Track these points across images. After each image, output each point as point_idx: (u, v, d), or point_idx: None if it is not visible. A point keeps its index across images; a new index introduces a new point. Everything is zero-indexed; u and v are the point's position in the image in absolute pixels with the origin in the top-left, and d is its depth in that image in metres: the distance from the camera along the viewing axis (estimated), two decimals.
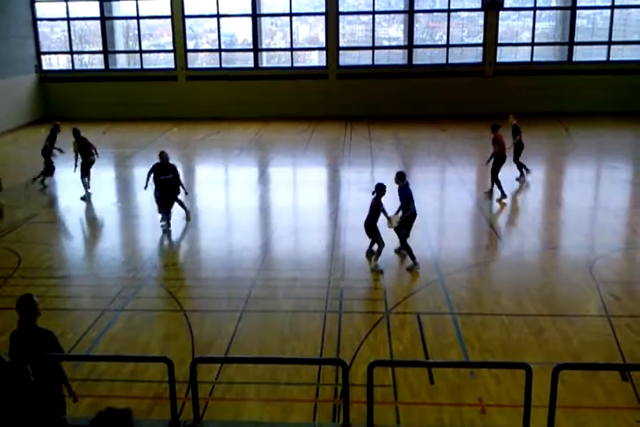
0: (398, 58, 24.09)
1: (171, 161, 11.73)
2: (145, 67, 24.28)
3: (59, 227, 12.59)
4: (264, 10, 24.14)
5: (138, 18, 23.86)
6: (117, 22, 24.87)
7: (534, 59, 23.27)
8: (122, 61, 25.24)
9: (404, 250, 9.72)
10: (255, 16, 23.59)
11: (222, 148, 19.00)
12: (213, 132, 21.04)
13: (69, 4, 23.86)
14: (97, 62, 24.74)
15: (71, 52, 24.44)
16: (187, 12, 23.57)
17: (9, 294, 8.71)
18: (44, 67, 24.46)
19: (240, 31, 24.94)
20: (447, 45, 23.39)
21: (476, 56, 23.40)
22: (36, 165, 17.03)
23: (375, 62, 23.58)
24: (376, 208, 9.55)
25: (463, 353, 7.17)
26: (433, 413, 6.17)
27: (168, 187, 11.48)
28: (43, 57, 24.42)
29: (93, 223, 12.86)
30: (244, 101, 22.93)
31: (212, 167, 17.52)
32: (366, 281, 9.21)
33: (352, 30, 24.96)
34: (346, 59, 23.84)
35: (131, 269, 9.83)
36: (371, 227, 9.60)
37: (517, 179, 14.41)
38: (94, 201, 13.86)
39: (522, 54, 23.75)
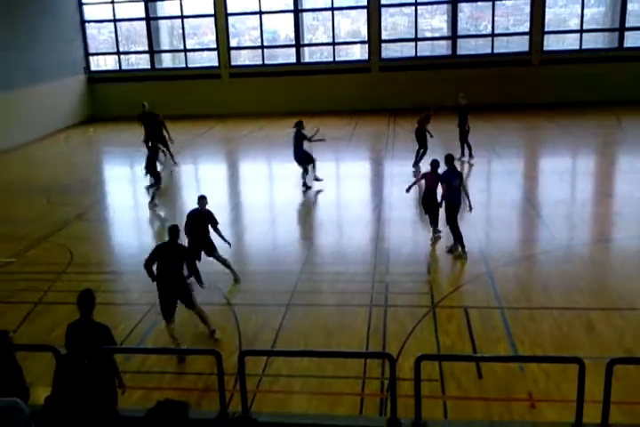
0: (442, 49, 23.74)
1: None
2: (189, 65, 24.63)
3: (108, 224, 12.94)
4: (306, 5, 24.16)
5: (182, 17, 24.22)
6: (162, 22, 25.31)
7: (583, 46, 22.54)
8: (167, 61, 25.69)
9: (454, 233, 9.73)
10: (297, 11, 23.62)
11: (266, 143, 19.14)
12: (257, 129, 21.21)
13: (116, 5, 24.38)
14: (143, 62, 25.23)
15: (118, 53, 25.00)
16: (229, 10, 23.79)
17: (63, 288, 9.03)
18: (92, 68, 25.10)
19: (282, 27, 25.04)
20: (492, 35, 22.90)
21: (523, 45, 22.84)
22: (86, 164, 17.58)
23: (418, 54, 23.30)
24: (435, 183, 9.95)
25: (512, 347, 7.05)
26: (481, 407, 6.09)
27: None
28: (91, 58, 25.06)
29: (141, 221, 13.16)
30: (286, 97, 23.01)
31: (256, 163, 17.66)
32: (411, 275, 9.14)
33: (394, 23, 24.72)
34: (388, 52, 23.64)
35: None
36: (430, 202, 10.11)
37: (459, 159, 14.45)
38: (143, 199, 14.18)
39: (570, 42, 23.06)
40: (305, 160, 13.75)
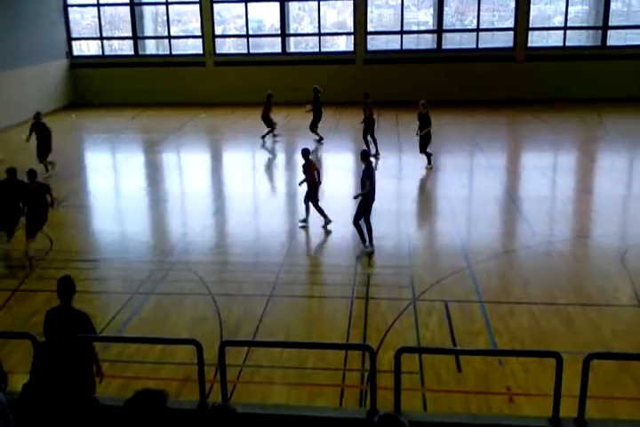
0: (427, 43, 23.75)
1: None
2: (174, 52, 24.34)
3: (89, 211, 12.79)
4: None
5: (167, 3, 23.86)
6: (146, 8, 24.93)
7: (567, 43, 22.71)
8: (151, 47, 25.34)
9: (355, 228, 9.70)
10: (283, 1, 23.41)
11: (250, 133, 19.02)
12: (242, 118, 21.07)
13: None
14: (126, 48, 24.86)
15: (101, 38, 24.60)
16: None
17: (41, 276, 8.92)
18: (75, 53, 24.68)
19: (268, 17, 24.82)
20: (477, 30, 22.95)
21: (507, 41, 22.94)
22: (66, 151, 17.28)
23: (404, 47, 23.29)
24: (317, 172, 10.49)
25: (491, 341, 7.13)
26: (460, 400, 6.15)
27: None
28: (73, 43, 24.62)
29: (123, 208, 13.03)
30: (271, 87, 22.83)
31: (240, 153, 17.56)
32: (393, 268, 9.18)
33: (380, 15, 24.65)
34: (374, 44, 23.59)
35: (159, 253, 9.96)
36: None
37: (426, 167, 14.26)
38: (124, 186, 14.02)
39: (554, 39, 23.19)
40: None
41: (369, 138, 15.64)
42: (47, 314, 5.46)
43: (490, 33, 23.49)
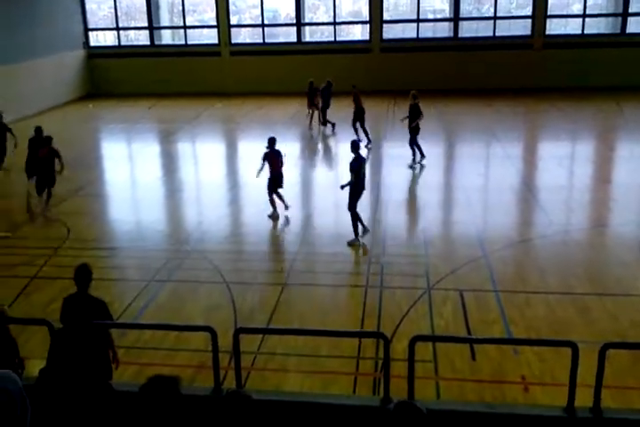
0: (444, 31, 23.50)
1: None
2: (189, 42, 24.35)
3: (105, 200, 12.90)
4: None
5: None
6: None
7: (585, 31, 22.34)
8: (167, 37, 25.38)
9: (351, 216, 9.56)
10: None
11: (266, 123, 19.01)
12: (257, 108, 21.05)
13: None
14: (142, 38, 24.93)
15: (117, 29, 24.69)
16: None
17: (58, 264, 9.01)
18: (92, 43, 24.80)
19: (283, 6, 24.71)
20: (494, 17, 22.66)
21: (525, 29, 22.62)
22: (82, 140, 17.42)
23: (420, 35, 23.07)
24: (266, 159, 10.45)
25: (506, 331, 7.08)
26: (474, 389, 6.13)
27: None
28: (90, 33, 24.74)
29: (139, 197, 13.12)
30: (287, 76, 22.80)
31: (255, 142, 17.53)
32: (408, 257, 9.15)
33: (396, 3, 24.43)
34: (390, 32, 23.39)
35: (175, 242, 10.02)
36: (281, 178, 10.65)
37: (411, 166, 13.73)
38: (140, 175, 14.10)
39: (572, 26, 22.84)
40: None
41: (358, 127, 15.62)
42: (64, 301, 5.52)
43: (507, 21, 23.18)
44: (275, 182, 10.65)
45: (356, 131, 15.51)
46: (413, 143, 13.63)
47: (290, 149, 16.03)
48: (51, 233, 10.29)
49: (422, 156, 13.74)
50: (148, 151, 16.76)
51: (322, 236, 10.23)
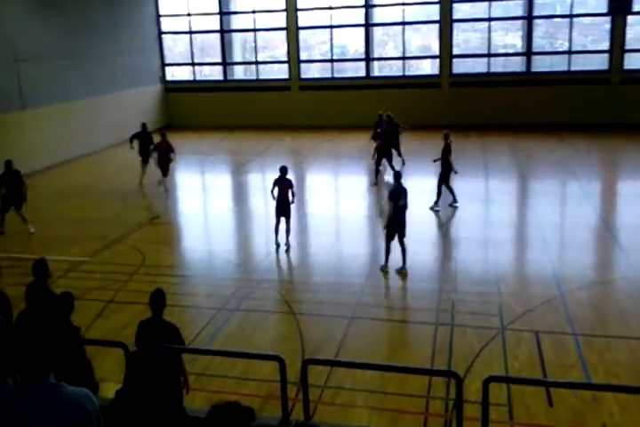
0: (515, 66, 23.31)
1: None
2: (260, 77, 25.13)
3: (179, 228, 13.27)
4: (376, 20, 24.26)
5: (255, 30, 24.76)
6: (235, 35, 25.94)
7: None
8: (239, 72, 26.29)
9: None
10: (367, 26, 23.75)
11: (334, 156, 19.22)
12: (325, 141, 21.34)
13: (192, 18, 25.20)
14: (216, 73, 25.92)
15: (192, 64, 25.79)
16: (300, 24, 24.15)
17: (134, 289, 9.28)
18: (168, 77, 25.97)
19: (351, 42, 25.21)
20: (569, 52, 22.31)
21: (602, 63, 22.13)
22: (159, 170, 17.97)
23: (491, 70, 22.96)
24: (285, 188, 10.77)
25: (585, 376, 6.73)
26: None
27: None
28: (167, 68, 25.95)
29: (210, 227, 13.43)
30: (355, 110, 23.08)
31: (323, 175, 17.75)
32: (480, 295, 8.89)
33: (466, 38, 24.46)
34: (459, 67, 23.40)
35: (244, 271, 10.15)
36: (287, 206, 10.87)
37: (450, 204, 13.00)
38: (212, 205, 14.44)
39: None
40: None
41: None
42: (139, 325, 5.64)
43: (581, 55, 22.76)
44: (278, 208, 10.86)
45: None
46: (443, 183, 13.01)
47: (358, 184, 16.14)
48: (126, 259, 10.63)
49: (454, 198, 13.11)
50: (220, 182, 17.22)
51: (390, 269, 10.10)
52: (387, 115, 16.87)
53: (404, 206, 9.68)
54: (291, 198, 10.87)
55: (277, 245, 11.00)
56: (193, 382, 5.94)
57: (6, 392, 3.31)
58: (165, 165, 15.00)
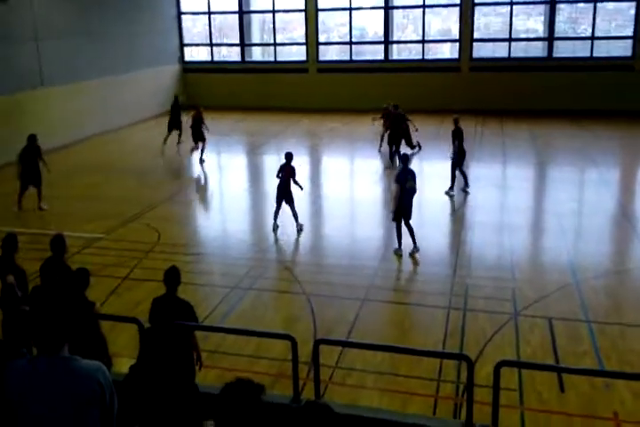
0: (536, 51, 22.92)
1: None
2: (278, 59, 24.95)
3: (194, 207, 13.33)
4: (396, 2, 23.92)
5: (273, 11, 24.53)
6: (254, 16, 25.74)
7: None
8: (257, 54, 26.13)
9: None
10: (387, 8, 23.44)
11: (350, 139, 19.11)
12: (342, 124, 21.22)
13: None
14: (234, 55, 25.79)
15: (211, 45, 25.67)
16: (320, 6, 23.89)
17: (149, 266, 9.35)
18: (186, 58, 25.89)
19: (371, 24, 24.91)
20: (592, 37, 21.88)
21: (625, 49, 21.69)
22: (176, 150, 18.07)
23: (511, 55, 22.60)
24: (287, 174, 10.65)
25: (598, 363, 6.69)
26: (562, 423, 5.81)
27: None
28: (185, 49, 25.85)
29: (226, 206, 13.46)
30: (373, 94, 22.87)
31: (339, 158, 17.67)
32: (494, 280, 8.84)
33: (487, 22, 24.07)
34: (480, 51, 23.06)
35: (259, 251, 10.18)
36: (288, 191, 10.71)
37: (462, 189, 12.93)
38: (228, 185, 14.46)
39: None
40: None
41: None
42: (153, 302, 5.68)
43: (604, 41, 22.31)
44: (279, 194, 10.82)
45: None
46: (457, 168, 12.85)
47: (374, 167, 16.06)
48: (142, 237, 10.70)
49: (466, 183, 13.01)
50: (236, 163, 17.23)
51: (403, 253, 10.05)
52: (393, 105, 16.64)
53: (412, 190, 9.54)
54: (293, 184, 10.76)
55: (276, 228, 10.96)
56: (205, 359, 5.99)
57: (21, 364, 3.36)
58: (198, 132, 16.43)
